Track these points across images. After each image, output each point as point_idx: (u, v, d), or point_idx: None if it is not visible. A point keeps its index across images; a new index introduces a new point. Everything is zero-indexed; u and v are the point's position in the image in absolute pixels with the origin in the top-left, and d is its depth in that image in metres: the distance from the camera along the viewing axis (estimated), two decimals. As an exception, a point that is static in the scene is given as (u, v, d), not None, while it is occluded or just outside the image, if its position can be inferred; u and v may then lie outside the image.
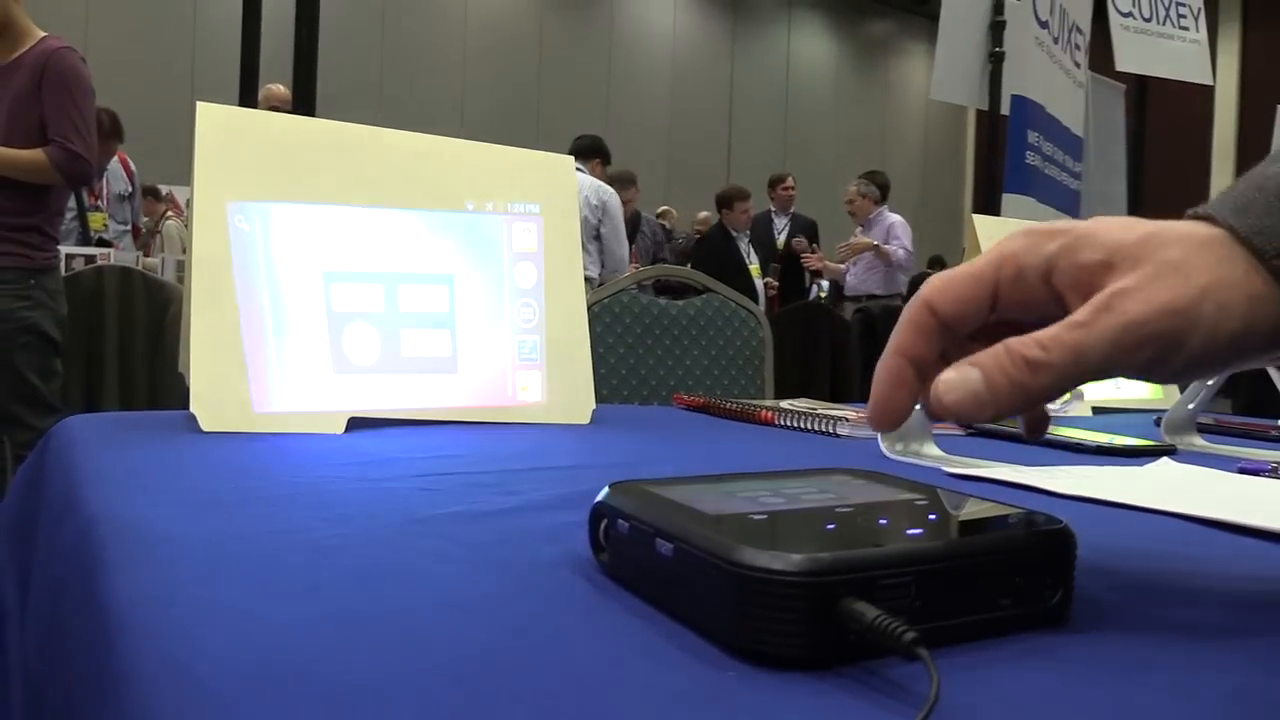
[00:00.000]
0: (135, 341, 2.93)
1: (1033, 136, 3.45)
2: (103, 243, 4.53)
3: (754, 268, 5.65)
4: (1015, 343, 0.37)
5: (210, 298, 0.77)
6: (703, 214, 8.13)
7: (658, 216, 7.73)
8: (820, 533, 0.36)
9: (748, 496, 0.41)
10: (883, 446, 0.79)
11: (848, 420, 0.95)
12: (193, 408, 0.75)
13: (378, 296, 0.84)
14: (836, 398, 2.96)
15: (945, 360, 0.39)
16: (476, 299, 0.90)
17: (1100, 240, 0.38)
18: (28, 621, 0.65)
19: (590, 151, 4.32)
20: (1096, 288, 0.37)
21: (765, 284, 5.76)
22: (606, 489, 0.41)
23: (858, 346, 4.31)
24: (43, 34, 2.51)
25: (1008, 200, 3.35)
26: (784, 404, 1.10)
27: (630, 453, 0.79)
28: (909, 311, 0.40)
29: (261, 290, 0.79)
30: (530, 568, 0.41)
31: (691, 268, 5.57)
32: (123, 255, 3.81)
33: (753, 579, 0.31)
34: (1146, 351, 0.36)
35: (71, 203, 4.37)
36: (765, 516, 0.37)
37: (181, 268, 3.59)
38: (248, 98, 2.71)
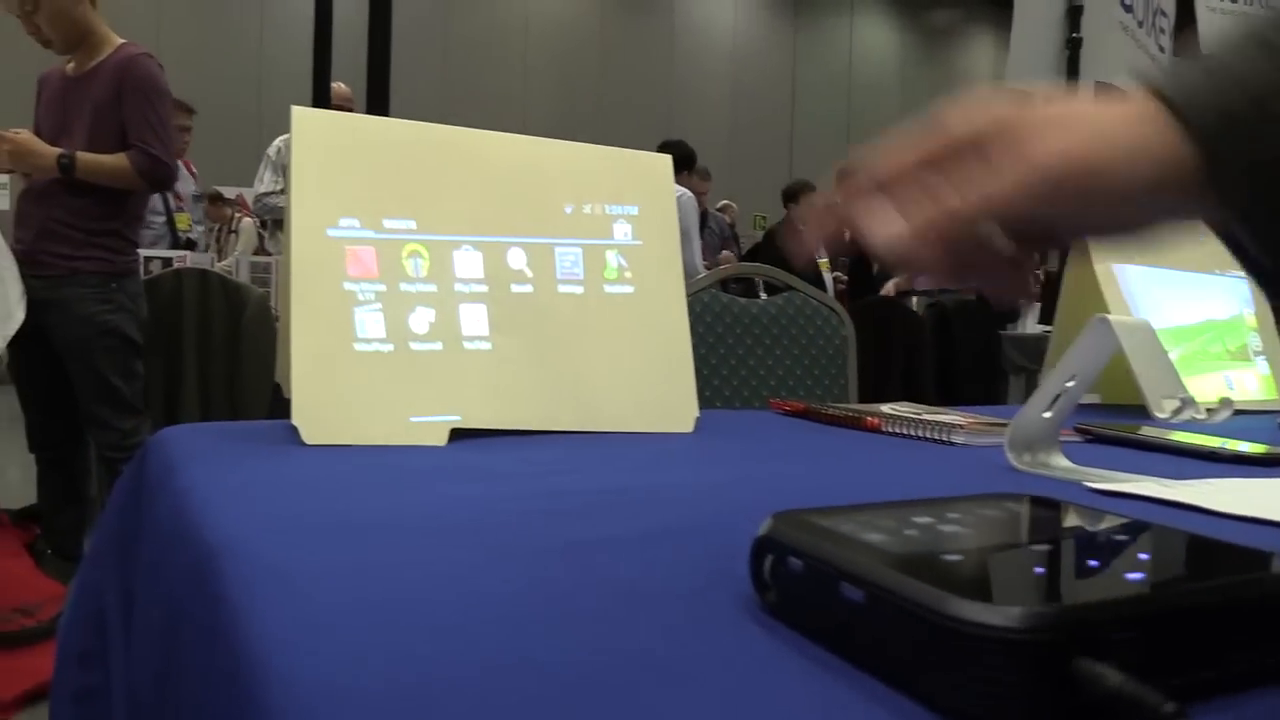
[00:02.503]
0: (213, 343, 2.96)
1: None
2: (189, 244, 4.62)
3: (822, 263, 5.58)
4: (934, 191, 0.40)
5: (310, 310, 0.75)
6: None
7: (719, 210, 7.68)
8: (1032, 578, 0.32)
9: (926, 529, 0.37)
10: (1010, 458, 0.75)
11: (960, 427, 0.90)
12: (295, 420, 0.73)
13: (479, 310, 0.81)
14: (911, 396, 2.89)
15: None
16: (576, 304, 0.87)
17: (1024, 106, 0.40)
18: (134, 644, 0.63)
19: (680, 164, 4.32)
20: (1017, 142, 0.39)
21: (834, 279, 5.68)
22: (769, 520, 0.38)
23: (931, 342, 4.23)
24: (121, 40, 2.54)
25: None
26: (886, 409, 1.05)
27: (746, 467, 0.76)
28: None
29: (364, 301, 0.77)
30: (689, 606, 0.38)
31: (761, 261, 5.54)
32: (198, 258, 3.87)
33: (970, 636, 0.28)
34: (1055, 198, 0.38)
35: (159, 206, 4.45)
36: (960, 557, 0.33)
37: (257, 269, 3.63)
38: (321, 101, 2.72)
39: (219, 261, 4.48)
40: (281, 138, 4.24)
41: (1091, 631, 0.28)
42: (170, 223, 4.55)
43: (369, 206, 0.79)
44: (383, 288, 0.78)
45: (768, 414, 1.11)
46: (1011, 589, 0.30)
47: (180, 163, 5.13)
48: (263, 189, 4.25)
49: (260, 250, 4.80)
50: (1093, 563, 0.34)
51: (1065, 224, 0.40)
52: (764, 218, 9.59)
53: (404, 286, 0.79)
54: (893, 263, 0.41)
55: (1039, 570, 0.33)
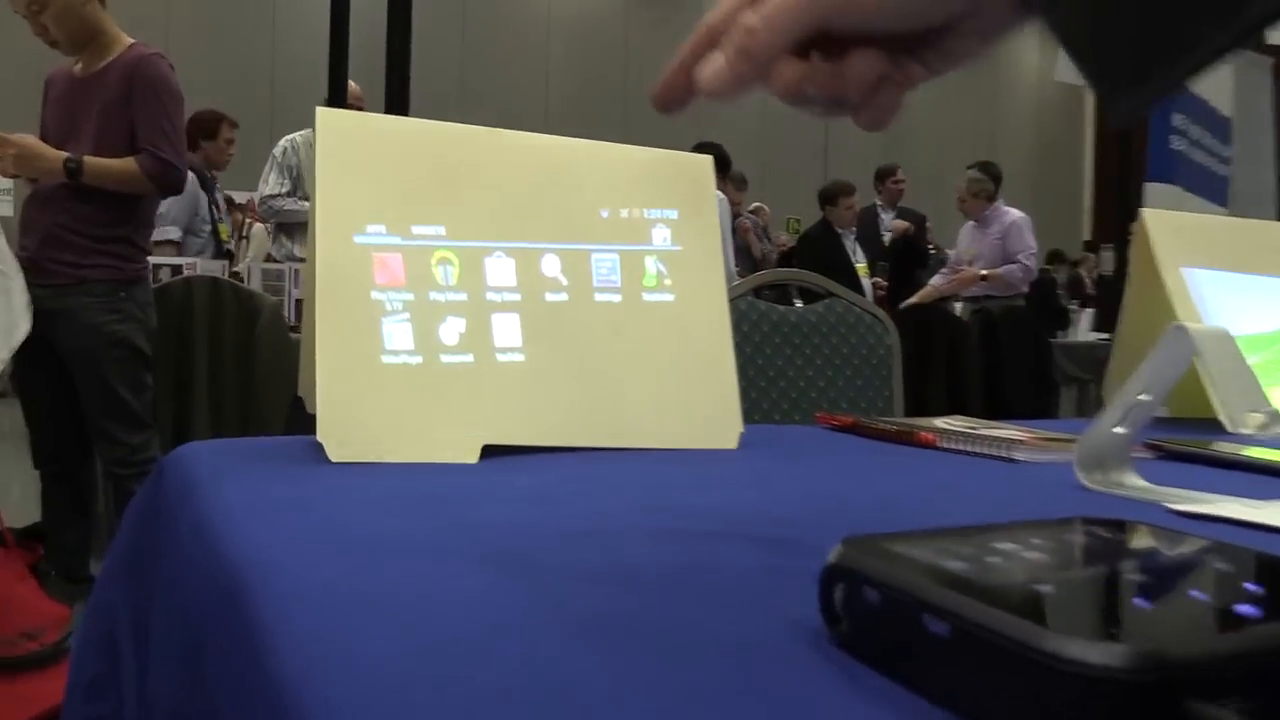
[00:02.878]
0: (224, 354, 2.99)
1: (1178, 119, 3.30)
2: (229, 254, 4.66)
3: (861, 267, 5.57)
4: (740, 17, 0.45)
5: (336, 320, 0.75)
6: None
7: (751, 213, 7.68)
8: (1133, 612, 0.31)
9: (1010, 556, 0.36)
10: (1080, 476, 0.74)
11: (1021, 443, 0.89)
12: (319, 436, 0.73)
13: (512, 320, 0.81)
14: (957, 408, 2.87)
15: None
16: (613, 313, 0.87)
17: None
18: (151, 670, 0.63)
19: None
20: None
21: (873, 284, 5.66)
22: (840, 546, 0.37)
23: (976, 350, 4.20)
24: (131, 40, 2.57)
25: (1151, 190, 3.21)
26: (940, 423, 1.04)
27: (798, 486, 0.75)
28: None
29: (391, 312, 0.77)
30: (752, 638, 0.37)
31: (796, 266, 5.53)
32: (208, 265, 3.89)
33: (1070, 675, 0.27)
34: None
35: (208, 215, 4.50)
36: (1052, 588, 0.33)
37: (270, 276, 3.66)
38: (337, 100, 2.75)
39: (231, 267, 4.51)
40: (288, 138, 4.26)
41: (1205, 671, 0.27)
42: (215, 232, 4.60)
43: (397, 212, 0.79)
44: (411, 297, 0.78)
45: (814, 429, 1.10)
46: (1113, 623, 0.29)
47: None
48: (268, 191, 4.27)
49: (267, 256, 4.82)
50: (1197, 594, 0.33)
51: (858, 19, 0.44)
52: (798, 221, 9.58)
53: (433, 295, 0.79)
54: (715, 92, 0.46)
55: (1139, 602, 0.32)
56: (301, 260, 3.96)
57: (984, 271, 5.21)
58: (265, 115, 8.38)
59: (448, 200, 0.81)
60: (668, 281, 0.90)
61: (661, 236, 0.90)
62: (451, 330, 0.79)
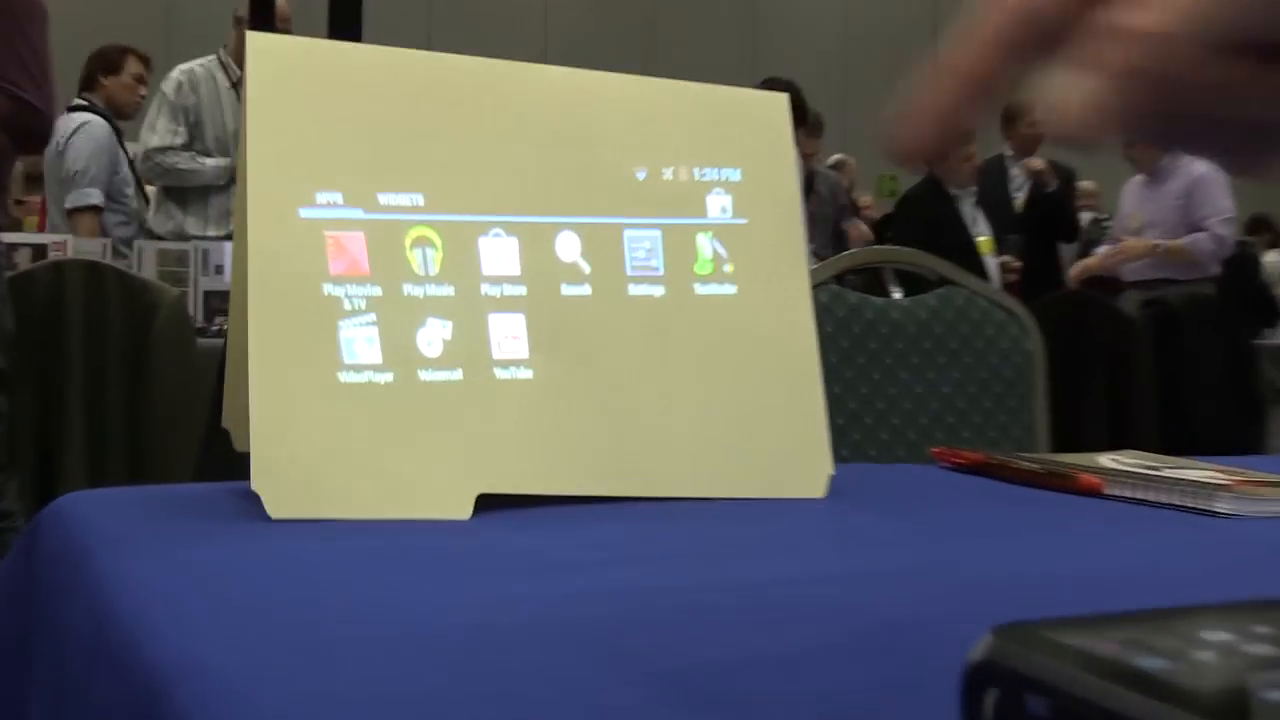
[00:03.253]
0: (108, 366, 3.01)
1: None
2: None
3: (983, 241, 5.53)
4: (1105, 20, 0.38)
5: (276, 325, 0.76)
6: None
7: (832, 168, 7.68)
8: None
9: (1229, 651, 0.36)
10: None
11: (1224, 489, 0.89)
12: (255, 485, 0.73)
13: (515, 322, 0.82)
14: (1124, 439, 2.86)
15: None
16: (653, 312, 0.87)
17: None
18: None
19: None
20: None
21: (1000, 265, 5.63)
22: (989, 638, 0.37)
23: (1150, 358, 4.18)
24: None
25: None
26: (1107, 461, 1.04)
27: (916, 551, 0.75)
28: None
29: (352, 312, 0.78)
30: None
31: (893, 241, 5.49)
32: (84, 245, 3.91)
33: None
34: None
35: (126, 173, 4.56)
36: (1292, 696, 0.33)
37: (168, 259, 3.68)
38: (262, 19, 2.77)
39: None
40: (183, 68, 4.27)
41: None
42: (142, 198, 4.65)
43: (358, 174, 0.80)
44: (378, 291, 0.79)
45: (928, 469, 1.11)
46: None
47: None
48: (155, 142, 4.27)
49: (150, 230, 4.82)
50: None
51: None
52: (893, 178, 9.53)
53: (409, 289, 0.80)
54: (1088, 135, 0.39)
55: None
56: (199, 239, 3.98)
57: (1160, 243, 5.18)
58: (158, 39, 8.47)
59: (427, 158, 0.82)
60: (728, 268, 0.90)
61: (720, 206, 0.90)
62: (434, 336, 0.80)
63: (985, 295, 1.86)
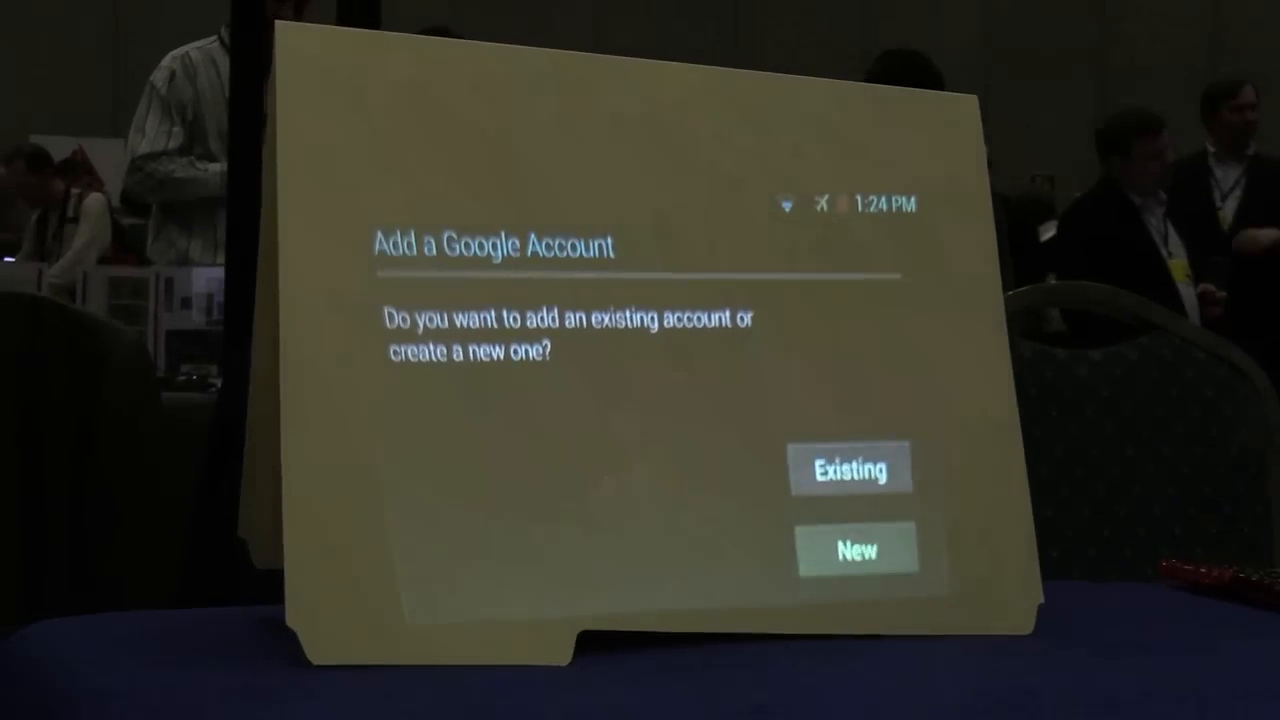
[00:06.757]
0: (44, 429, 3.03)
1: None
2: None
3: (1177, 263, 5.51)
4: None
5: (319, 412, 0.76)
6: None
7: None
8: None
9: None
10: None
11: None
12: (291, 620, 0.73)
13: (631, 409, 0.82)
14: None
15: None
16: (793, 386, 0.86)
17: None
18: None
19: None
20: None
21: (1201, 294, 5.60)
22: None
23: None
24: None
25: None
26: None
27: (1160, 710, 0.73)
28: None
29: (414, 393, 0.78)
30: None
31: (1058, 265, 5.42)
32: (12, 271, 3.96)
33: None
34: None
35: None
36: None
37: (121, 289, 3.71)
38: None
39: (48, 270, 4.63)
40: (176, 54, 4.31)
41: None
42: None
43: (428, 209, 0.80)
44: (461, 362, 0.79)
45: (1151, 589, 1.10)
46: None
47: None
48: (146, 147, 4.29)
49: (115, 254, 4.87)
50: None
51: None
52: (1050, 180, 9.47)
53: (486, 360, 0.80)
54: None
55: None
56: (204, 265, 3.97)
57: None
58: (105, 20, 8.61)
59: (519, 185, 0.82)
60: (900, 329, 0.90)
61: (888, 248, 0.90)
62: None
63: (1205, 347, 1.83)
